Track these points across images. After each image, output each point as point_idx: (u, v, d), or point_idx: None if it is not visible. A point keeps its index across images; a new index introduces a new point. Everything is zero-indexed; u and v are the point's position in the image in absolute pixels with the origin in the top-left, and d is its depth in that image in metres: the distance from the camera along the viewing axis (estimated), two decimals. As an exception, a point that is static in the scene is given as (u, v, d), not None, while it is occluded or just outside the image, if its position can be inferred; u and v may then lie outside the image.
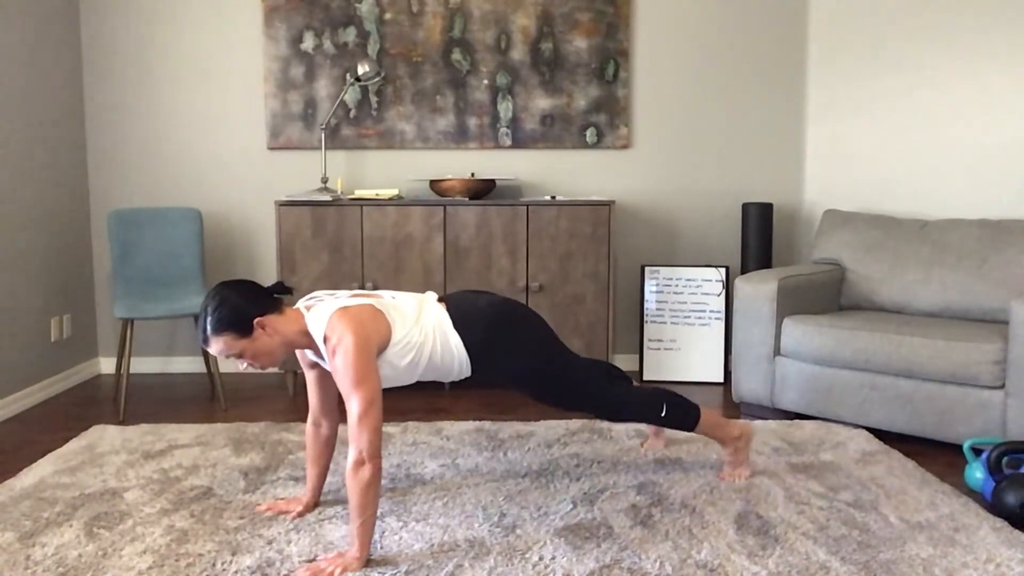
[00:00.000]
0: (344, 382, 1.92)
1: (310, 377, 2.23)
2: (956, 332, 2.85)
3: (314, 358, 2.16)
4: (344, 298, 2.06)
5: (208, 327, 1.96)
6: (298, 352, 2.17)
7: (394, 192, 3.71)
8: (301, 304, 2.09)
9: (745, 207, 3.87)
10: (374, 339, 1.98)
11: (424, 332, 2.10)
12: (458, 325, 2.15)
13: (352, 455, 1.90)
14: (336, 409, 2.29)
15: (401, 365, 2.08)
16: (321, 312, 2.00)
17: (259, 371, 4.05)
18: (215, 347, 1.97)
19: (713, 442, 2.85)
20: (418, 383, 3.79)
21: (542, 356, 2.23)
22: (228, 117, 4.05)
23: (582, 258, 3.64)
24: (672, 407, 2.37)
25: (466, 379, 2.31)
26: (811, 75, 4.07)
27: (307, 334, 2.03)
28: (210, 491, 2.41)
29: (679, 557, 1.98)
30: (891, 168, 3.82)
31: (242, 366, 2.02)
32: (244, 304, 1.97)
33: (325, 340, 1.97)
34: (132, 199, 4.07)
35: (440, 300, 2.23)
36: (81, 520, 2.20)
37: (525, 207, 3.63)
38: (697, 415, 2.40)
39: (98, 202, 4.07)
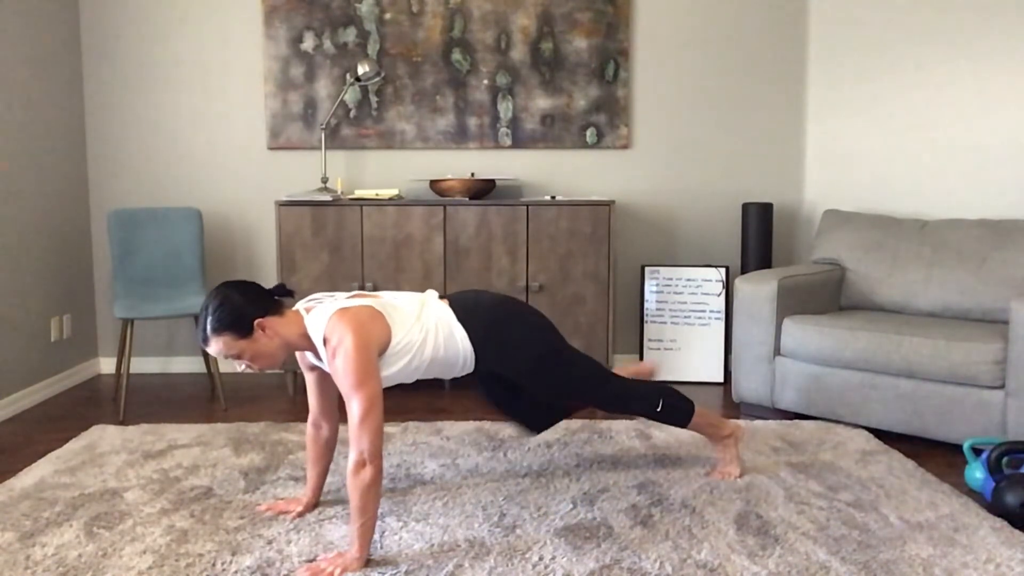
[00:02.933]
0: (345, 384, 1.92)
1: (310, 379, 2.23)
2: (956, 332, 2.85)
3: (314, 360, 2.15)
4: (343, 299, 2.06)
5: (208, 327, 1.96)
6: (298, 354, 2.17)
7: (394, 192, 3.71)
8: (301, 306, 2.08)
9: (745, 207, 3.87)
10: (374, 340, 1.98)
11: (425, 329, 2.10)
12: (463, 319, 2.15)
13: (353, 456, 1.90)
14: (336, 410, 2.29)
15: (400, 365, 2.08)
16: (321, 314, 2.00)
17: (256, 372, 4.04)
18: (214, 347, 1.97)
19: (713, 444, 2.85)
20: (418, 382, 3.79)
21: (547, 346, 2.25)
22: (228, 117, 4.05)
23: (582, 258, 3.64)
24: (668, 403, 2.40)
25: (468, 377, 2.31)
26: (811, 75, 4.07)
27: (307, 336, 2.02)
28: (210, 491, 2.41)
29: (679, 557, 1.98)
30: (891, 168, 3.82)
31: (240, 367, 2.02)
32: (245, 305, 1.97)
33: (325, 342, 1.96)
34: (132, 199, 4.07)
35: (442, 298, 2.24)
36: (81, 520, 2.20)
37: (525, 207, 3.63)
38: (691, 411, 2.43)
39: (98, 202, 4.07)
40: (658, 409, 2.38)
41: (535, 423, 2.56)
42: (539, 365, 2.24)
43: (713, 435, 2.51)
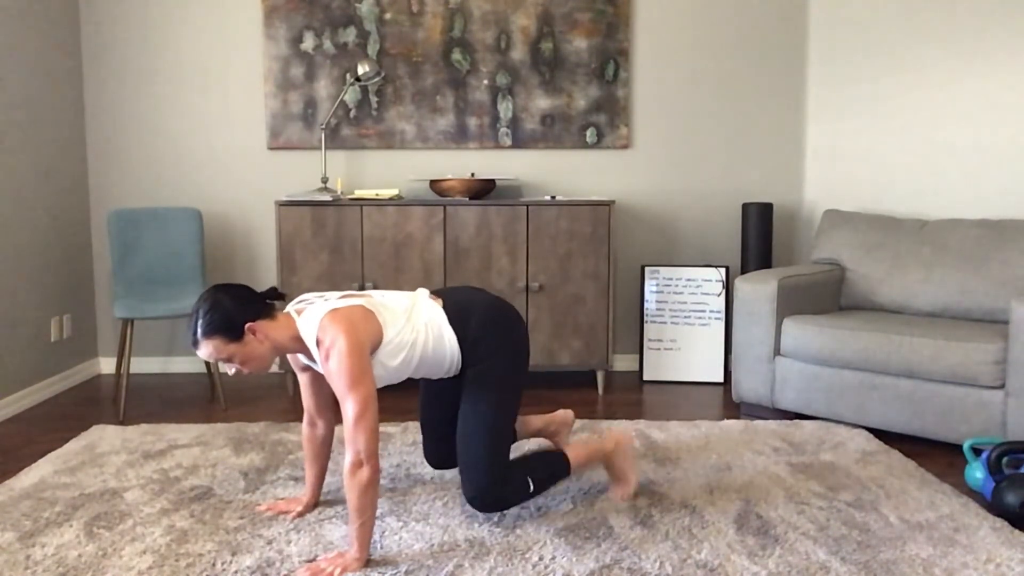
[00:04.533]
0: (339, 384, 1.91)
1: (303, 379, 2.23)
2: (956, 332, 2.85)
3: (306, 361, 2.15)
4: (334, 300, 2.05)
5: (198, 330, 1.95)
6: (289, 355, 2.16)
7: (394, 192, 3.71)
8: (291, 307, 2.08)
9: (745, 207, 3.87)
10: (367, 340, 1.97)
11: (416, 329, 2.10)
12: (453, 321, 2.15)
13: (349, 457, 1.90)
14: (331, 408, 2.28)
15: (393, 364, 2.07)
16: (312, 316, 1.99)
17: (246, 375, 4.04)
18: (204, 350, 1.96)
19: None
20: (417, 382, 3.79)
21: (508, 376, 2.18)
22: (228, 117, 4.05)
23: (582, 258, 3.64)
24: (538, 478, 2.19)
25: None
26: (811, 75, 4.07)
27: (299, 339, 2.01)
28: (210, 491, 2.42)
29: (679, 557, 1.98)
30: (891, 168, 3.82)
31: (231, 371, 2.01)
32: (236, 309, 1.96)
33: (318, 343, 1.96)
34: (132, 199, 4.07)
35: (436, 293, 2.24)
36: (81, 520, 2.20)
37: (525, 207, 3.63)
38: (566, 467, 2.25)
39: (98, 202, 4.07)
40: (531, 490, 2.17)
41: (447, 456, 2.41)
42: (489, 388, 2.14)
43: (602, 460, 2.34)
